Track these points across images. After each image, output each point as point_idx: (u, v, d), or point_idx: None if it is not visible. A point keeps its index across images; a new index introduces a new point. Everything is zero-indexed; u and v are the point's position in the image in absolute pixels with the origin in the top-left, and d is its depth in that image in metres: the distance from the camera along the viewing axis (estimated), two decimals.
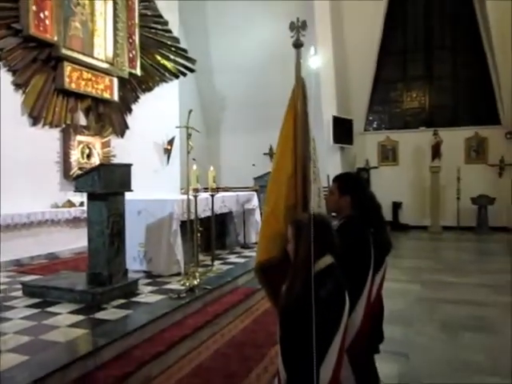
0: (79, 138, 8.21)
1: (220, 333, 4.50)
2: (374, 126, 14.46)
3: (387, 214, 13.26)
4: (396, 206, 13.23)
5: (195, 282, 5.04)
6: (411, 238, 11.75)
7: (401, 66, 14.11)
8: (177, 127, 6.05)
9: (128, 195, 5.10)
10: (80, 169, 7.73)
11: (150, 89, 10.35)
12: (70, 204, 7.80)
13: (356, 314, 2.28)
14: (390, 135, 13.83)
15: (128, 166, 4.95)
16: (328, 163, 11.90)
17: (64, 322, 4.05)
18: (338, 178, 2.45)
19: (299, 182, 2.50)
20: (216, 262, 6.42)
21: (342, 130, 12.64)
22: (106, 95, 8.76)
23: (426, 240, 11.42)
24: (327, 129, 12.41)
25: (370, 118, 14.39)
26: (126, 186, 4.88)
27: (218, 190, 8.37)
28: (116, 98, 9.01)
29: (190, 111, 5.65)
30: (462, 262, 8.55)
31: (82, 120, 8.41)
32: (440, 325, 5.07)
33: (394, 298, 6.11)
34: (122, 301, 4.65)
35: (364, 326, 2.32)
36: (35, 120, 7.41)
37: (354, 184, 2.40)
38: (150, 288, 5.19)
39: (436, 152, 12.48)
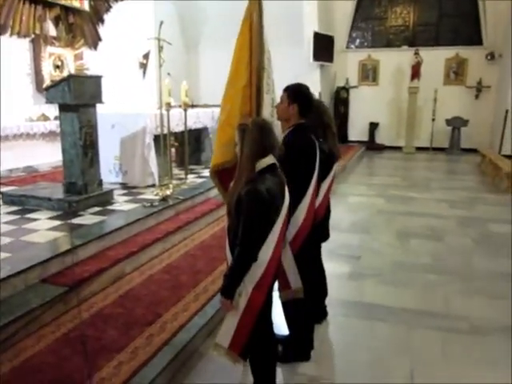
0: (50, 49, 7.98)
1: (191, 238, 4.87)
2: (357, 43, 14.18)
3: (364, 134, 13.55)
4: (373, 127, 13.43)
5: (168, 193, 5.32)
6: (385, 158, 12.12)
7: None
8: (148, 39, 5.94)
9: (102, 108, 5.17)
10: (52, 81, 7.61)
11: None
12: (45, 117, 7.79)
13: (299, 213, 2.57)
14: (371, 54, 13.63)
15: (98, 78, 4.96)
16: (307, 80, 11.70)
17: (43, 226, 4.33)
18: (287, 88, 2.60)
19: (254, 92, 2.66)
20: (190, 176, 6.67)
21: (323, 47, 12.37)
22: (76, 3, 8.38)
23: (398, 160, 11.80)
24: (308, 45, 12.15)
25: (353, 35, 14.07)
26: (97, 97, 4.94)
27: (194, 106, 8.41)
28: (86, 7, 8.62)
29: (161, 22, 5.54)
30: (427, 180, 8.98)
31: (52, 31, 8.12)
32: (394, 233, 5.54)
33: (358, 210, 6.58)
34: (98, 208, 4.93)
35: (306, 223, 2.61)
36: (1, 29, 7.15)
37: (301, 93, 2.55)
38: (125, 198, 5.46)
39: (416, 72, 12.44)
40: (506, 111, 11.43)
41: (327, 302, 3.40)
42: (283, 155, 2.31)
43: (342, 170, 9.11)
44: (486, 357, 2.94)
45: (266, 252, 2.08)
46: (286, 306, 2.77)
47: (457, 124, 12.49)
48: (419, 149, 12.87)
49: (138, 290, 3.63)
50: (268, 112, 2.71)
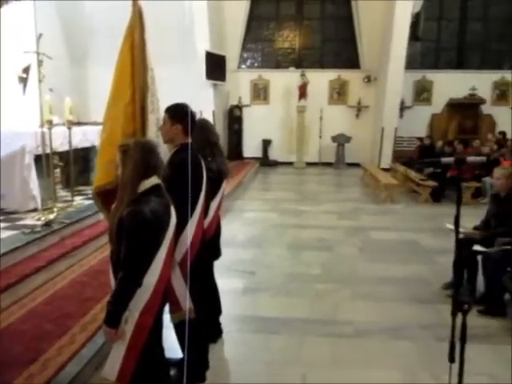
0: None
1: (78, 264, 4.56)
2: (248, 64, 14.69)
3: (258, 151, 13.96)
4: (266, 144, 13.92)
5: (52, 217, 4.95)
6: (278, 173, 12.61)
7: (274, 4, 14.31)
8: (25, 52, 5.54)
9: None
10: None
11: None
12: None
13: (188, 232, 2.54)
14: (262, 74, 14.20)
15: None
16: (201, 99, 11.89)
17: None
18: (168, 109, 2.57)
19: (138, 111, 2.60)
20: (77, 198, 6.29)
21: (216, 66, 12.61)
22: None
23: (290, 174, 12.36)
24: (200, 64, 12.28)
25: (244, 55, 14.56)
26: None
27: (81, 123, 7.98)
28: None
29: (40, 35, 5.23)
30: (317, 193, 9.52)
31: None
32: (287, 246, 5.75)
33: (253, 225, 6.71)
34: None
35: (195, 243, 2.60)
36: None
37: (183, 113, 2.53)
38: (2, 225, 4.96)
39: (303, 92, 13.22)
40: (382, 129, 12.63)
41: (222, 319, 3.40)
42: (169, 175, 2.28)
43: (237, 186, 9.29)
44: (369, 357, 3.16)
45: (152, 275, 2.02)
46: (178, 328, 2.71)
47: (341, 140, 13.48)
48: (309, 164, 13.62)
49: (18, 325, 3.30)
50: (153, 132, 2.67)
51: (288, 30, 14.52)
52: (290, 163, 13.69)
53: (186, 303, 2.56)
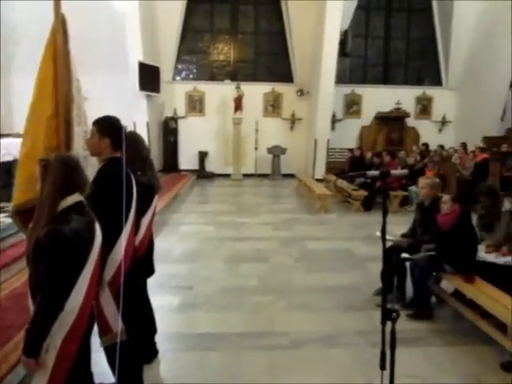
0: None
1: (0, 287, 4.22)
2: (183, 75, 14.59)
3: (194, 163, 13.84)
4: (202, 156, 13.85)
5: None
6: (215, 185, 12.57)
7: (209, 17, 14.38)
8: None
9: None
10: None
11: None
12: None
13: (116, 251, 2.43)
14: (197, 86, 14.16)
15: None
16: (134, 110, 11.62)
17: None
18: (96, 121, 2.46)
19: (62, 124, 2.47)
20: (1, 215, 5.85)
21: (149, 77, 12.40)
22: None
23: (228, 186, 12.36)
24: (133, 75, 12.01)
25: (179, 66, 14.45)
26: None
27: (3, 135, 7.48)
28: None
29: None
30: (254, 204, 9.58)
31: None
32: (224, 259, 5.71)
33: (189, 239, 6.60)
34: None
35: (125, 261, 2.49)
36: None
37: (112, 126, 2.44)
38: None
39: (238, 104, 13.32)
40: (316, 140, 13.02)
41: (157, 338, 3.28)
42: (96, 191, 2.18)
43: (173, 199, 9.13)
44: (306, 367, 3.18)
45: (75, 298, 1.90)
46: (109, 351, 2.58)
47: (276, 152, 13.72)
48: (246, 175, 13.71)
49: None
50: (80, 145, 2.54)
51: (223, 43, 14.64)
52: (227, 175, 13.70)
53: (117, 325, 2.44)
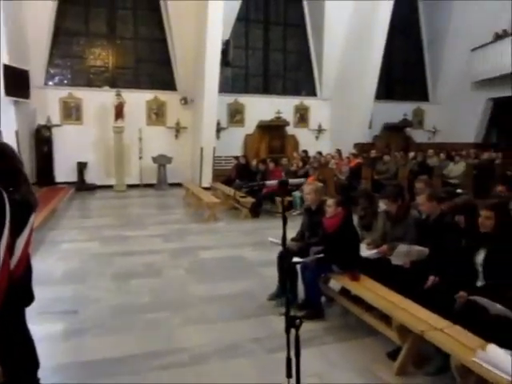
0: None
1: None
2: (56, 80, 13.53)
3: (73, 175, 12.89)
4: (81, 166, 12.95)
5: None
6: (97, 198, 11.83)
7: (83, 20, 13.56)
8: None
9: None
10: None
11: None
12: None
13: None
14: (73, 92, 13.23)
15: None
16: (0, 117, 10.43)
17: None
18: None
19: None
20: None
21: (16, 81, 11.21)
22: None
23: (111, 198, 11.72)
24: None
25: (52, 71, 13.37)
26: None
27: None
28: None
29: None
30: (141, 216, 9.21)
31: None
32: (112, 276, 5.36)
33: (71, 258, 6.09)
34: None
35: (1, 289, 2.18)
36: None
37: None
38: None
39: (119, 112, 12.73)
40: (202, 149, 13.01)
41: (40, 373, 2.92)
42: None
43: (50, 215, 8.36)
44: (207, 382, 3.10)
45: None
46: None
47: (162, 161, 13.42)
48: (130, 186, 13.17)
49: None
50: None
51: (100, 48, 13.93)
52: (110, 186, 13.01)
53: None
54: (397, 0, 13.32)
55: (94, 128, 13.25)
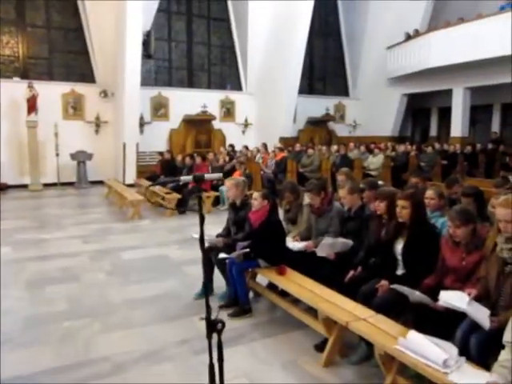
0: None
1: None
2: None
3: None
4: None
5: None
6: (9, 198, 10.91)
7: None
8: None
9: None
10: None
11: None
12: None
13: None
14: None
15: None
16: None
17: None
18: None
19: None
20: None
21: None
22: None
23: (25, 199, 10.87)
24: None
25: None
26: None
27: None
28: None
29: None
30: (58, 217, 8.64)
31: None
32: (25, 284, 4.95)
33: None
34: None
35: None
36: None
37: None
38: None
39: (32, 106, 11.83)
40: (124, 144, 12.50)
41: None
42: None
43: None
44: None
45: None
46: None
47: (81, 158, 12.71)
48: (47, 185, 12.34)
49: None
50: None
51: (8, 35, 12.82)
52: (24, 186, 12.09)
53: None
54: (317, 0, 13.64)
55: (4, 123, 12.17)
